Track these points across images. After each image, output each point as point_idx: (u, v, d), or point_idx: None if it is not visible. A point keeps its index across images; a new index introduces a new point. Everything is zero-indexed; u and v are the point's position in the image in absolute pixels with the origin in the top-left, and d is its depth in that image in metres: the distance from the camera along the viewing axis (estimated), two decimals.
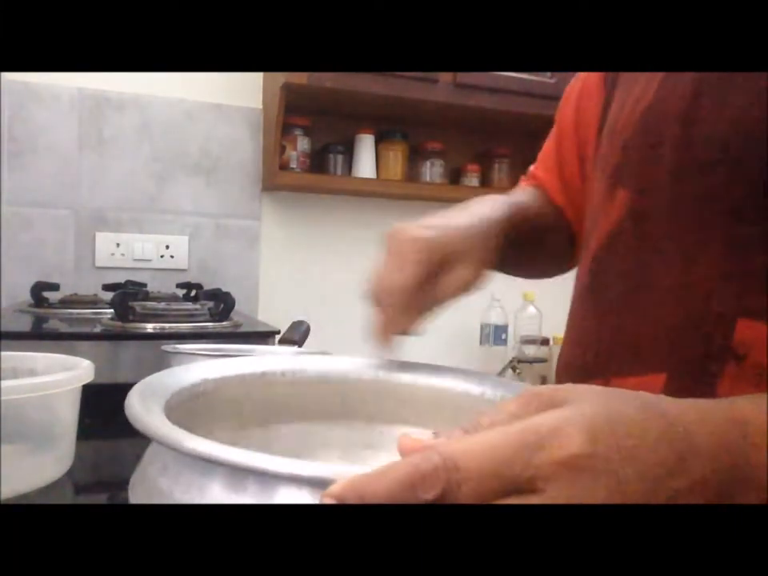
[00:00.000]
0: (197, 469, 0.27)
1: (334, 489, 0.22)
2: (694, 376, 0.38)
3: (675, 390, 0.38)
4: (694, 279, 0.39)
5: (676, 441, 0.23)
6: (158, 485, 0.28)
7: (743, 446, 0.25)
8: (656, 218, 0.42)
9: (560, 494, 0.21)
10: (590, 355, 0.47)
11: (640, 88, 0.46)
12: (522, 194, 0.61)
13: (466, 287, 0.47)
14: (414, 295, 0.44)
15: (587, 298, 0.49)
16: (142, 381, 0.36)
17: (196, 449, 0.26)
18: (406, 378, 0.45)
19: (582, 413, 0.23)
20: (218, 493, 0.26)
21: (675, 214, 0.41)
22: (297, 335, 0.91)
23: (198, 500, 0.26)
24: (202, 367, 0.43)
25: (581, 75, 0.61)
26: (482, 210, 0.50)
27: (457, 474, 0.21)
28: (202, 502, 0.26)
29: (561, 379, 0.51)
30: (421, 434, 0.43)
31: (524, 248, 0.57)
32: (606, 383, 0.43)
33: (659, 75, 0.44)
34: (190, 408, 0.37)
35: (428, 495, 0.21)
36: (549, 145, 0.64)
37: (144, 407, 0.31)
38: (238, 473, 0.26)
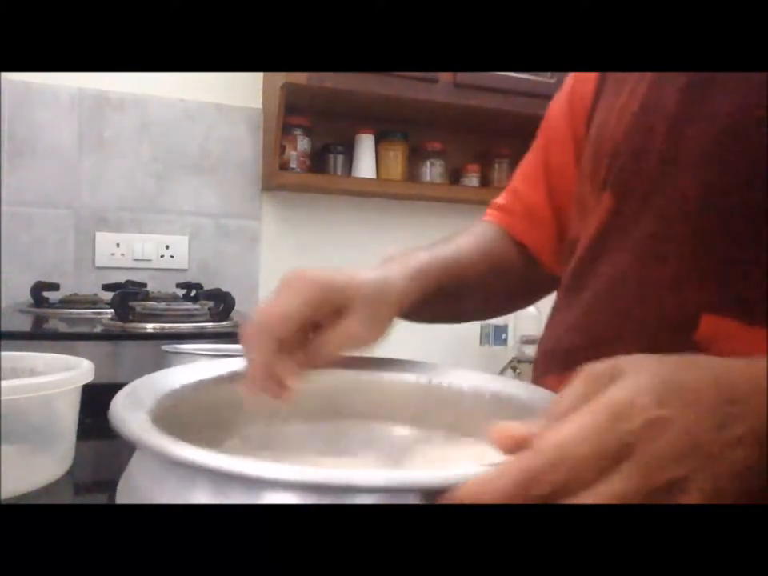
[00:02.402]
0: (182, 475, 0.27)
1: (453, 497, 0.23)
2: None
3: None
4: (664, 277, 0.42)
5: (725, 393, 0.26)
6: (143, 490, 0.28)
7: None
8: (635, 221, 0.45)
9: (647, 451, 0.24)
10: (563, 347, 0.50)
11: (626, 95, 0.48)
12: (467, 238, 0.59)
13: (352, 341, 0.42)
14: (293, 337, 0.40)
15: (568, 297, 0.51)
16: (129, 385, 0.36)
17: (181, 455, 0.25)
18: (408, 377, 0.46)
19: (646, 382, 0.26)
20: (204, 497, 0.26)
21: (653, 217, 0.43)
22: None
23: (183, 501, 0.26)
24: (186, 370, 0.42)
25: (563, 93, 0.60)
26: (393, 266, 0.47)
27: (564, 466, 0.23)
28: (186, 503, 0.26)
29: (539, 364, 0.54)
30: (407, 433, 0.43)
31: (460, 298, 0.55)
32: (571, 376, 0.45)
33: (645, 82, 0.46)
34: (177, 411, 0.37)
35: (542, 492, 0.23)
36: (531, 162, 0.63)
37: (129, 412, 0.31)
38: (223, 479, 0.25)
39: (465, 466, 0.26)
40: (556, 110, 0.61)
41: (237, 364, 0.44)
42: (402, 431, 0.45)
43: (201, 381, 0.41)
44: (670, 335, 0.41)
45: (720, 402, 0.26)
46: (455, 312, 0.61)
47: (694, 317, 0.40)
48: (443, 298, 0.52)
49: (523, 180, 0.64)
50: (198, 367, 0.43)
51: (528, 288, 0.64)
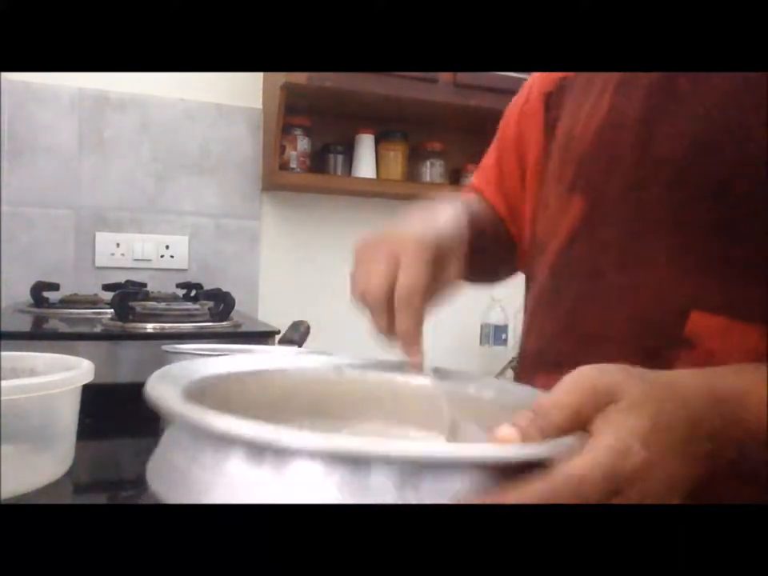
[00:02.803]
0: (216, 445, 0.28)
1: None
2: (649, 365, 0.41)
3: None
4: (647, 277, 0.43)
5: (698, 431, 0.30)
6: (176, 465, 0.29)
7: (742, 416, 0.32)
8: (610, 223, 0.46)
9: (640, 487, 0.27)
10: (550, 348, 0.50)
11: (592, 101, 0.49)
12: (472, 203, 0.63)
13: (456, 286, 0.48)
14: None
15: (547, 298, 0.52)
16: (160, 369, 0.37)
17: (216, 425, 0.27)
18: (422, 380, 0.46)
19: (639, 426, 0.29)
20: (236, 466, 0.27)
21: (629, 218, 0.44)
22: (297, 335, 0.91)
23: (217, 474, 0.27)
24: (219, 361, 0.44)
25: (521, 97, 0.63)
26: (450, 213, 0.52)
27: (578, 498, 0.26)
28: (220, 477, 0.27)
29: (523, 367, 0.56)
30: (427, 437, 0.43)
31: (476, 255, 0.58)
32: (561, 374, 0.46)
33: (610, 88, 0.47)
34: (206, 396, 0.38)
35: None
36: (489, 160, 0.67)
37: (163, 389, 0.32)
38: (256, 447, 0.26)
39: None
40: (511, 116, 0.63)
41: (265, 359, 0.46)
42: (417, 434, 0.45)
43: (231, 372, 0.43)
44: (660, 333, 0.42)
45: (692, 440, 0.30)
46: (474, 272, 0.64)
47: (682, 314, 0.41)
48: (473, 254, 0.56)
49: (482, 180, 0.67)
50: (232, 359, 0.45)
51: (502, 264, 0.69)
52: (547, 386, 0.37)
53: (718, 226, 0.40)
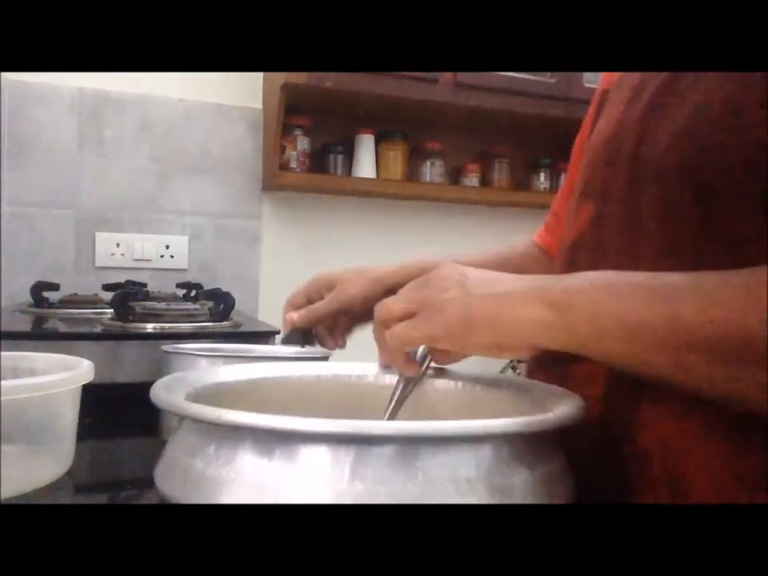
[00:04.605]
0: (227, 440, 0.29)
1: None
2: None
3: (617, 377, 0.42)
4: None
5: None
6: (186, 466, 0.30)
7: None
8: (612, 226, 0.46)
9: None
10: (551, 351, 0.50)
11: (611, 112, 0.49)
12: (503, 251, 0.69)
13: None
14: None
15: None
16: (165, 378, 0.39)
17: (231, 418, 0.28)
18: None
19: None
20: (248, 457, 0.28)
21: (627, 221, 0.44)
22: (297, 335, 0.91)
23: (231, 468, 0.28)
24: (222, 369, 0.46)
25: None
26: (418, 260, 0.60)
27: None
28: (233, 470, 0.28)
29: (530, 362, 0.56)
30: None
31: None
32: (565, 369, 0.47)
33: (625, 98, 0.47)
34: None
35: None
36: (565, 182, 0.68)
37: (170, 393, 0.34)
38: (264, 437, 0.28)
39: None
40: (582, 128, 0.64)
41: (266, 369, 0.48)
42: None
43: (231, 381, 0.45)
44: None
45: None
46: None
47: None
48: None
49: (560, 200, 0.69)
50: (232, 369, 0.47)
51: None
52: (547, 382, 0.41)
53: (702, 228, 0.39)
